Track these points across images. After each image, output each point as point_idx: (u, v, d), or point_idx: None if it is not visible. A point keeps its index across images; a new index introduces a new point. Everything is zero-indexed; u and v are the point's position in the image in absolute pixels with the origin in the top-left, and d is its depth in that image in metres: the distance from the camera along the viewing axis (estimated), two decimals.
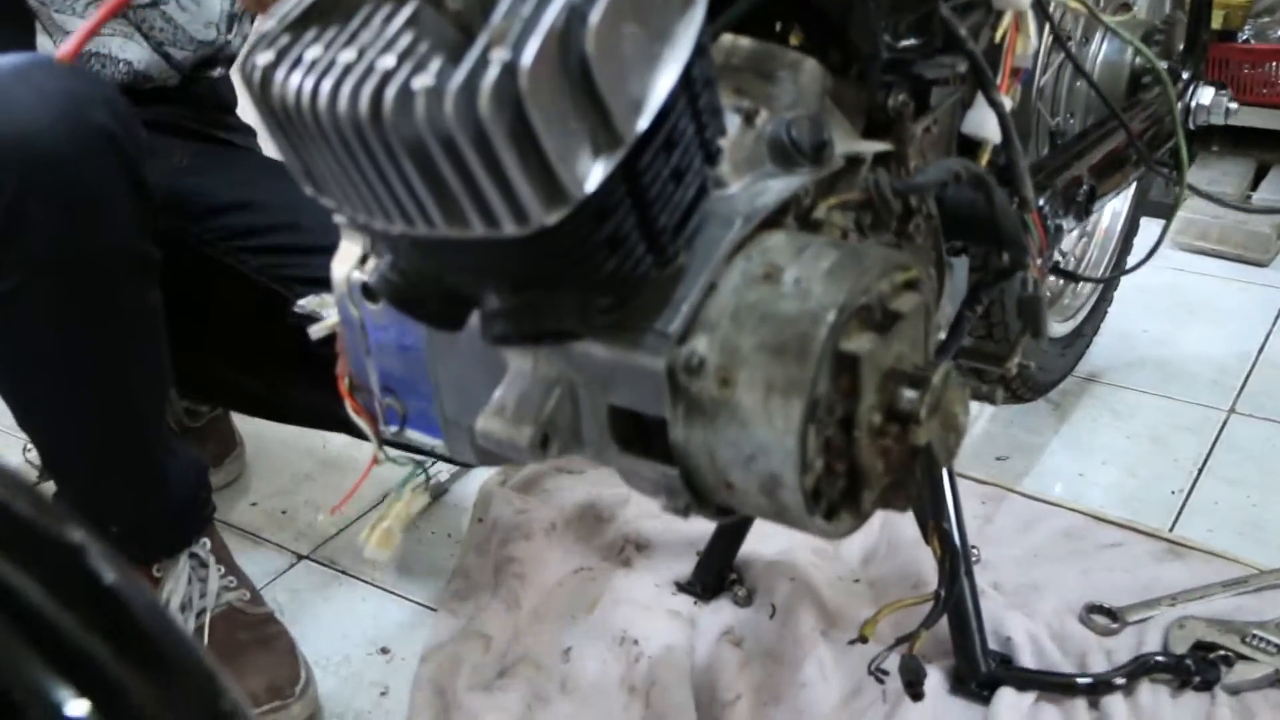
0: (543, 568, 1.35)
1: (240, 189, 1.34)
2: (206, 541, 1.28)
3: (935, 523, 1.13)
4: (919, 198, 0.88)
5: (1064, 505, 1.48)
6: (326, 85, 0.55)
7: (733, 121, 0.75)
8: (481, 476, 1.56)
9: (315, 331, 0.85)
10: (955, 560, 1.10)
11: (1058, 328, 1.62)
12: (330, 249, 1.25)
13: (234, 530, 1.52)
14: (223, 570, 1.27)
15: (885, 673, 1.11)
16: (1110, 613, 1.28)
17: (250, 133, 1.54)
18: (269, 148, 1.57)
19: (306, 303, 0.90)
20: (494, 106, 0.52)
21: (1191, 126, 1.46)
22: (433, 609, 1.35)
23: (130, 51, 1.31)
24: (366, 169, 0.56)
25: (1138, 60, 1.40)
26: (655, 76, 0.58)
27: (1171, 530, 1.46)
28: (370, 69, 0.54)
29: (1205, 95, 1.45)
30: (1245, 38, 2.53)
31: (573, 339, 0.66)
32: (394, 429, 0.85)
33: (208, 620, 1.22)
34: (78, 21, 1.28)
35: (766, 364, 0.66)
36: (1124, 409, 1.75)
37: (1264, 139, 2.58)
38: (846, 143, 0.83)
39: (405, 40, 0.55)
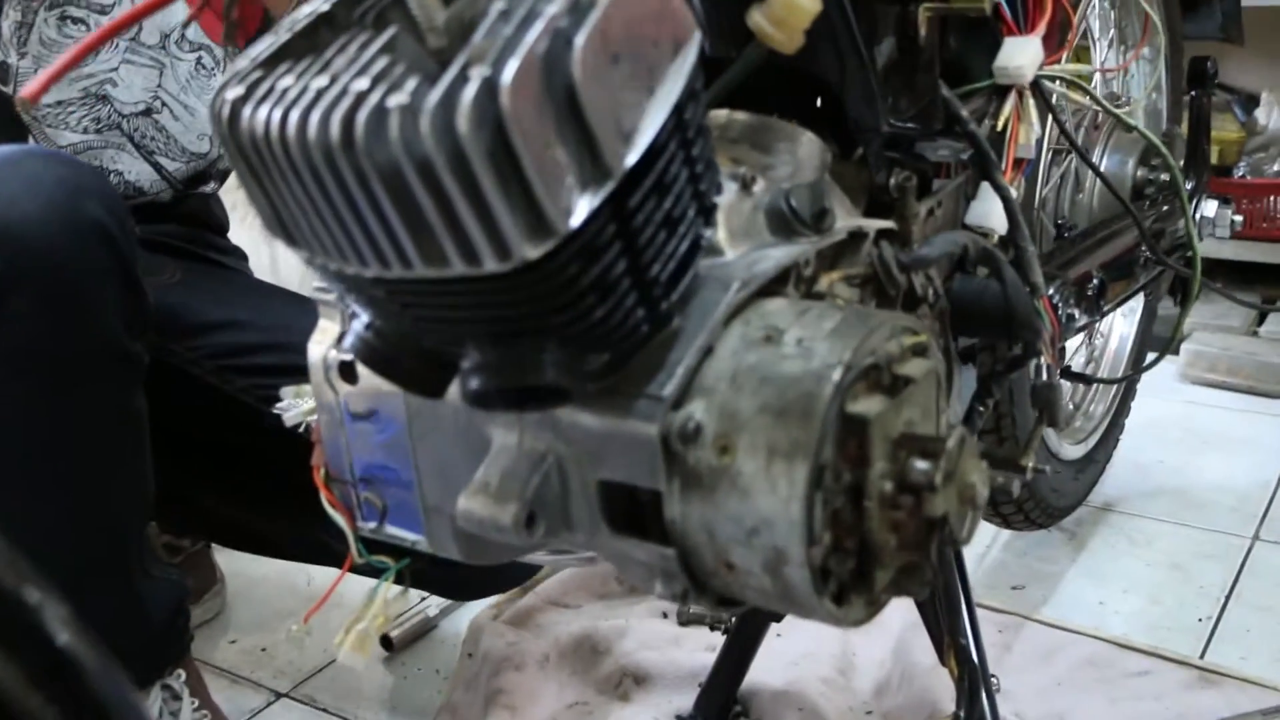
0: (535, 701, 1.28)
1: (229, 307, 1.31)
2: (181, 673, 1.21)
3: (951, 639, 1.06)
4: (925, 281, 0.85)
5: (1086, 633, 1.42)
6: (295, 113, 0.52)
7: (729, 188, 0.73)
8: (471, 613, 1.50)
9: (290, 418, 0.81)
10: (975, 678, 1.04)
11: (1070, 450, 1.58)
12: None
13: (211, 668, 1.45)
14: (196, 704, 1.19)
15: None
16: None
17: (242, 256, 1.53)
18: (260, 270, 1.56)
19: (284, 395, 0.86)
20: (474, 125, 0.49)
21: (1199, 238, 1.44)
22: None
23: (123, 163, 1.30)
24: (339, 203, 0.53)
25: (1139, 173, 1.39)
26: (645, 110, 0.56)
27: (1202, 657, 1.39)
28: (343, 92, 0.51)
29: (1209, 208, 1.44)
30: (1241, 173, 2.55)
31: (560, 401, 0.62)
32: (372, 525, 0.80)
33: None
34: (71, 135, 1.27)
35: (768, 427, 0.62)
36: (1142, 537, 1.70)
37: (1268, 273, 2.58)
38: (848, 219, 0.81)
39: (380, 64, 0.52)
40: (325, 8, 0.59)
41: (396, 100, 0.49)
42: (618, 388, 0.64)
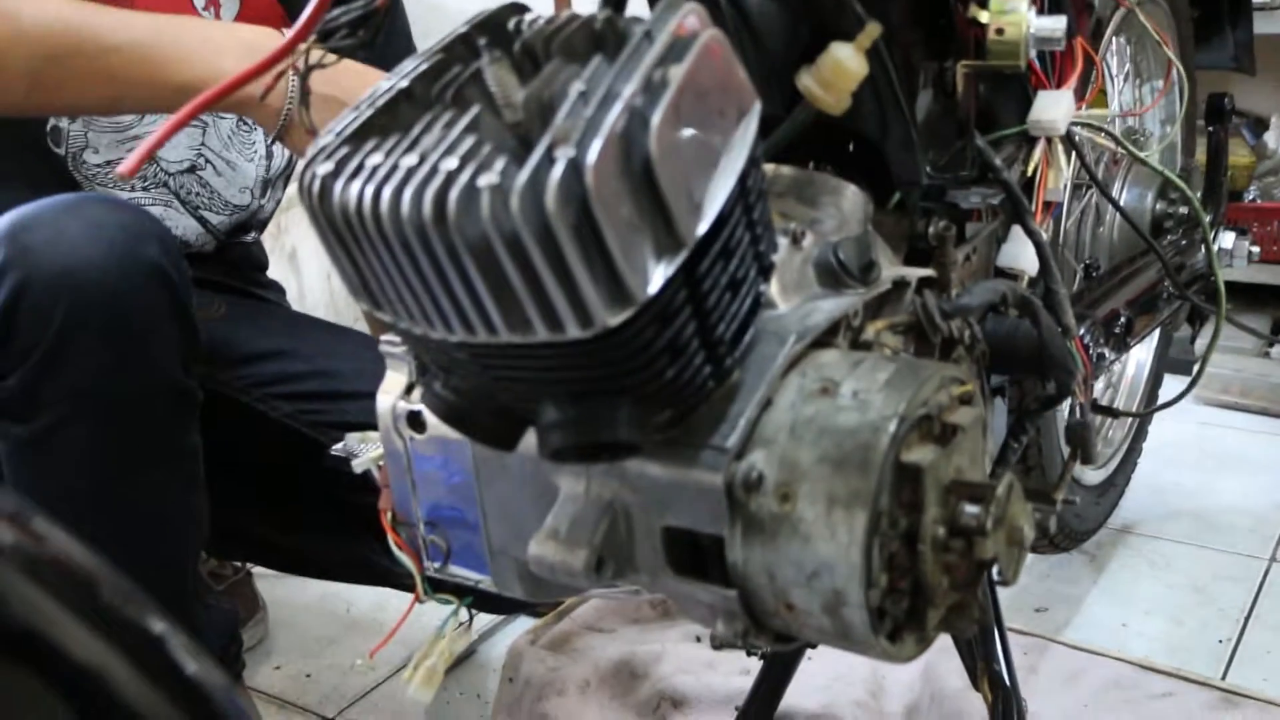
0: None
1: (273, 338, 1.34)
2: None
3: (985, 664, 1.08)
4: (963, 325, 0.87)
5: (1110, 655, 1.44)
6: (388, 189, 0.54)
7: (780, 243, 0.75)
8: (509, 639, 1.52)
9: (359, 464, 0.83)
10: (1009, 702, 1.06)
11: (1091, 475, 1.60)
12: (363, 394, 1.24)
13: (257, 694, 1.47)
14: None
15: None
16: None
17: (280, 291, 1.56)
18: (289, 301, 1.58)
19: (347, 443, 0.89)
20: (560, 203, 0.51)
21: (1220, 271, 1.47)
22: None
23: (170, 218, 1.33)
24: (428, 273, 0.56)
25: (1158, 206, 1.42)
26: (714, 181, 0.58)
27: (1224, 679, 1.41)
28: (434, 170, 0.54)
29: (1227, 239, 1.46)
30: (1252, 197, 2.57)
31: (630, 454, 0.64)
32: (437, 564, 0.83)
33: None
34: (120, 194, 1.30)
35: (828, 477, 0.64)
36: (1161, 560, 1.71)
37: (1278, 296, 2.60)
38: (891, 268, 0.83)
39: (467, 143, 0.55)
40: (404, 84, 0.61)
41: (486, 180, 0.52)
42: (682, 439, 0.66)
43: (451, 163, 0.54)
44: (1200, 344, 1.78)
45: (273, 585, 1.67)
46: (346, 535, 1.26)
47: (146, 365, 0.99)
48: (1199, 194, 1.48)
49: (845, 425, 0.65)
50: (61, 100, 1.04)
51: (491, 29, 0.64)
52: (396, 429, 0.80)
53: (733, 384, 0.67)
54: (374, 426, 0.82)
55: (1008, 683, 1.08)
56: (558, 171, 0.51)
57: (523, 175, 0.52)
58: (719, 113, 0.60)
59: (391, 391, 0.80)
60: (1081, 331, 1.01)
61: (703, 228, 0.57)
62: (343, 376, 1.31)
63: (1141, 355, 1.77)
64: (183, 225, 1.36)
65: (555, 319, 0.55)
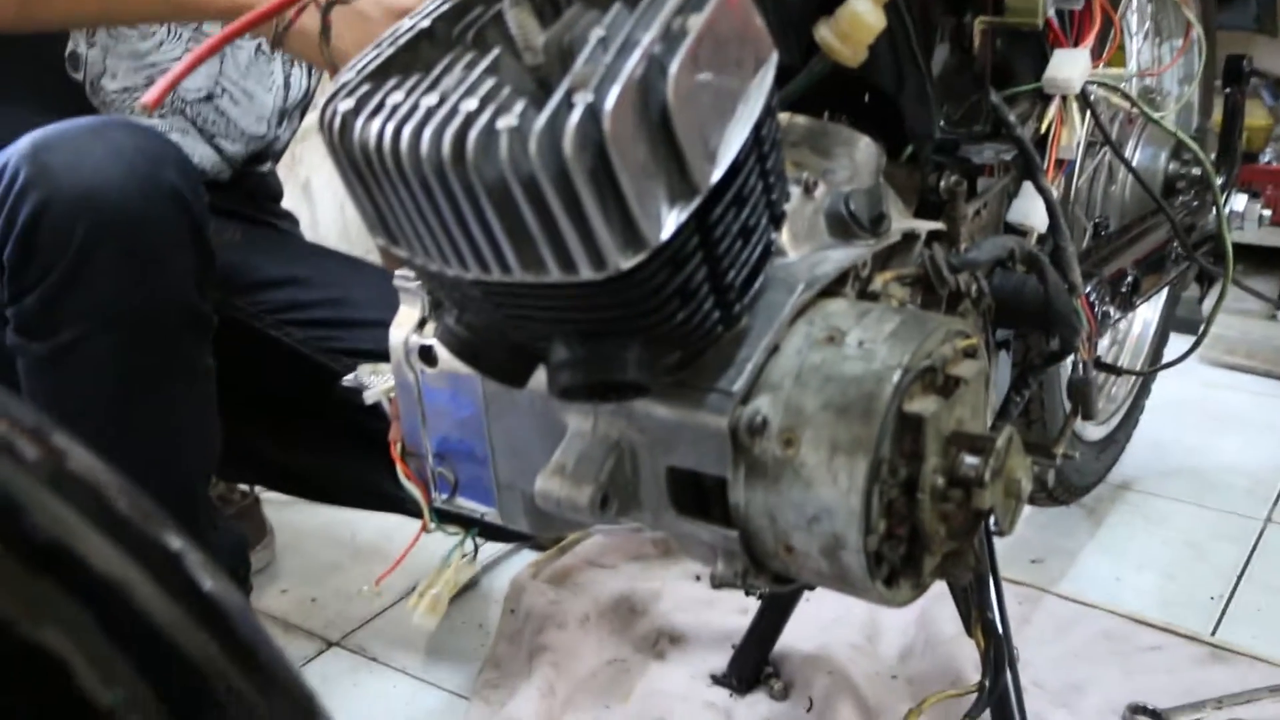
0: (576, 658, 1.32)
1: (288, 265, 1.35)
2: None
3: (979, 612, 1.10)
4: (970, 279, 0.88)
5: (1102, 607, 1.45)
6: (408, 128, 0.55)
7: (792, 192, 0.76)
8: (511, 570, 1.54)
9: (370, 396, 0.84)
10: (999, 650, 1.07)
11: (1093, 431, 1.61)
12: (374, 323, 1.26)
13: (264, 616, 1.50)
14: None
15: None
16: (1154, 714, 1.24)
17: (294, 221, 1.56)
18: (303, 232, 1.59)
19: (358, 374, 0.90)
20: (577, 147, 0.52)
21: (1229, 235, 1.47)
22: (463, 696, 1.32)
23: (186, 146, 1.33)
24: (445, 212, 0.56)
25: (1171, 166, 1.41)
26: (729, 129, 0.59)
27: (1213, 635, 1.42)
28: (454, 111, 0.54)
29: (1239, 202, 1.45)
30: (1268, 159, 2.55)
31: (638, 394, 0.65)
32: (445, 496, 0.84)
33: None
34: (137, 120, 1.30)
35: (831, 423, 0.65)
36: (1158, 516, 1.73)
37: None
38: (901, 220, 0.84)
39: (487, 85, 0.55)
40: (425, 24, 0.62)
41: (505, 122, 0.53)
42: (690, 381, 0.67)
43: (471, 104, 0.54)
44: (1207, 304, 1.79)
45: (280, 511, 1.69)
46: (356, 459, 1.28)
47: (163, 286, 1.00)
48: (1213, 155, 1.48)
49: (850, 373, 0.66)
50: (54, 15, 1.05)
51: None
52: (408, 362, 0.81)
53: (741, 329, 0.68)
54: (385, 355, 0.83)
55: (1000, 631, 1.10)
56: (576, 116, 0.52)
57: (541, 119, 0.52)
58: (736, 62, 0.60)
59: (404, 325, 0.81)
60: (1088, 289, 1.02)
61: (717, 175, 0.58)
62: (354, 304, 1.33)
63: (1148, 314, 1.78)
64: (199, 153, 1.36)
65: (569, 260, 0.56)
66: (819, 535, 0.66)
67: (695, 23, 0.56)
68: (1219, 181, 1.41)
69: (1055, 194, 0.94)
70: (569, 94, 0.53)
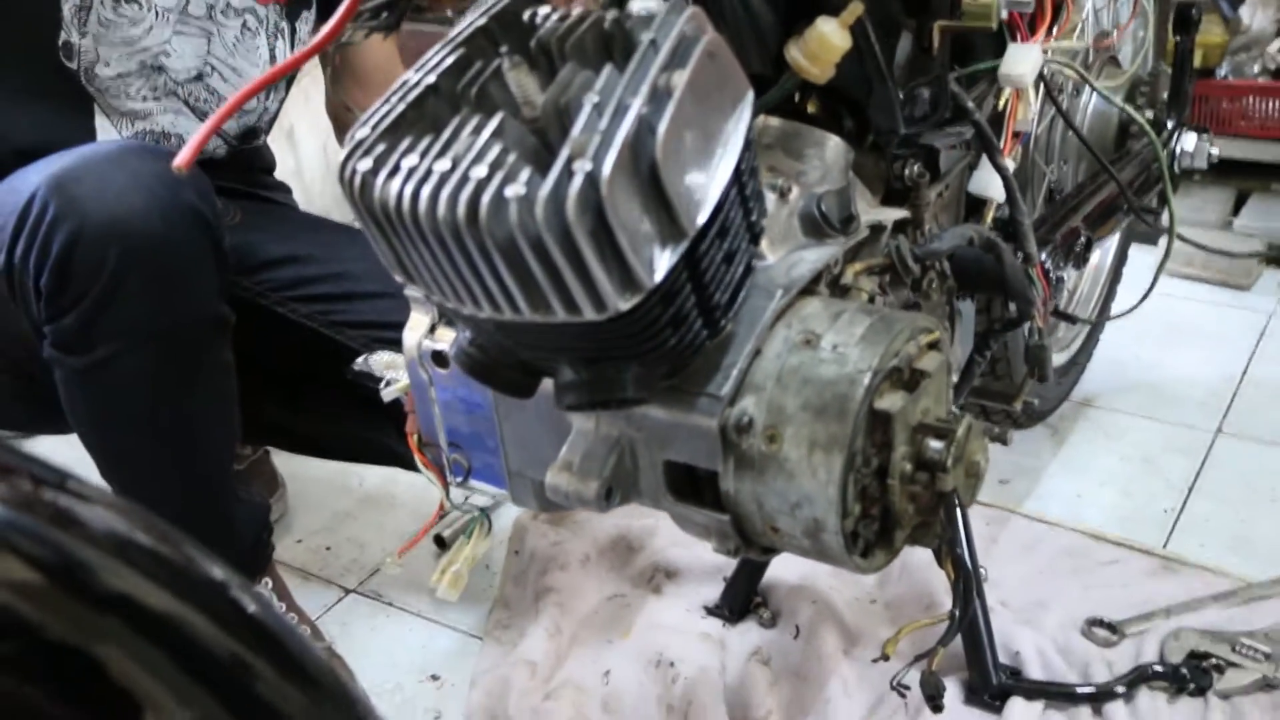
0: (579, 596, 1.41)
1: (288, 243, 1.40)
2: (268, 581, 1.34)
3: (948, 547, 1.18)
4: (933, 265, 0.94)
5: (1064, 525, 1.54)
6: (425, 191, 0.60)
7: (768, 199, 0.81)
8: (513, 511, 1.62)
9: (388, 394, 0.90)
10: (968, 583, 1.16)
11: (1055, 357, 1.68)
12: (374, 295, 1.31)
13: (282, 566, 1.57)
14: (284, 608, 1.32)
15: (906, 687, 1.17)
16: (1110, 626, 1.34)
17: (286, 190, 1.60)
18: (304, 203, 1.63)
19: (370, 362, 0.96)
20: (579, 212, 0.58)
21: (1177, 170, 1.53)
22: (476, 636, 1.40)
23: (180, 126, 1.37)
24: (460, 264, 0.62)
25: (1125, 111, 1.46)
26: (713, 174, 0.65)
27: (1165, 547, 1.51)
28: (465, 178, 0.60)
29: (1189, 141, 1.51)
30: (1224, 73, 2.60)
31: (635, 404, 0.72)
32: (459, 479, 0.91)
33: None
34: (132, 104, 1.34)
35: (810, 422, 0.72)
36: (1117, 431, 1.81)
37: (1243, 168, 2.64)
38: (869, 213, 0.90)
39: (494, 151, 0.60)
40: (431, 79, 0.67)
41: (513, 191, 0.58)
42: (682, 385, 0.74)
43: (481, 170, 0.59)
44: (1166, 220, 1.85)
45: (288, 461, 1.75)
46: (360, 420, 1.35)
47: (189, 300, 1.06)
48: (1165, 94, 1.53)
49: (825, 376, 0.72)
50: None
51: (508, 21, 0.69)
52: (421, 364, 0.87)
53: (726, 336, 0.74)
54: (385, 325, 0.88)
55: (968, 566, 1.18)
56: (576, 184, 0.57)
57: (545, 187, 0.58)
58: (717, 109, 0.65)
59: (417, 330, 0.87)
60: (1044, 257, 1.08)
61: (703, 217, 0.64)
62: (355, 277, 1.38)
63: (1107, 241, 1.84)
64: (193, 131, 1.40)
65: (573, 304, 0.62)
66: (801, 519, 0.73)
67: (679, 80, 0.62)
68: (1170, 124, 1.47)
69: (1012, 168, 1.00)
70: (569, 162, 0.58)
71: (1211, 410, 1.86)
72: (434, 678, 1.35)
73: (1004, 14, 0.87)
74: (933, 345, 0.77)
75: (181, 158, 0.66)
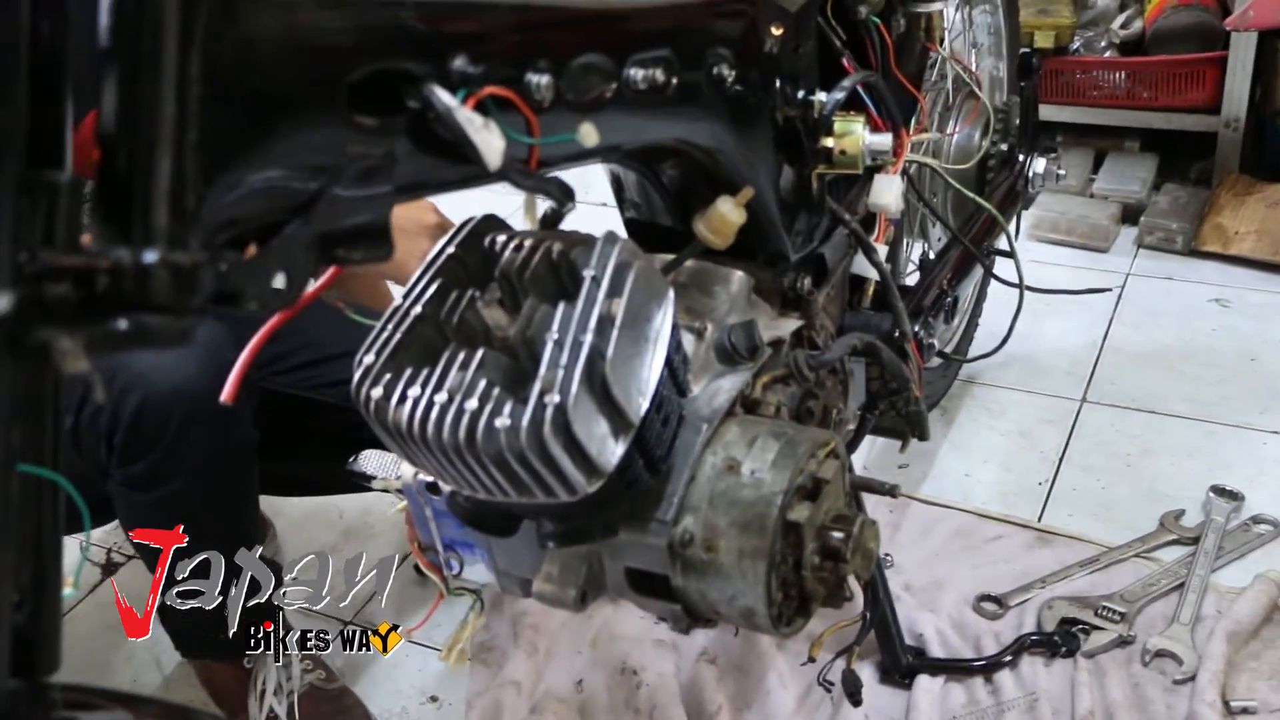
0: (549, 614, 1.57)
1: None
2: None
3: None
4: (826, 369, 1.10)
5: (955, 506, 1.73)
6: (431, 421, 0.75)
7: (688, 341, 0.97)
8: None
9: (392, 515, 1.05)
10: (875, 589, 1.34)
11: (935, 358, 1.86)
12: (341, 355, 1.49)
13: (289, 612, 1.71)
14: (301, 656, 1.47)
15: (830, 682, 1.36)
16: (996, 600, 1.53)
17: None
18: None
19: (364, 464, 1.11)
20: (553, 433, 0.73)
21: (1032, 190, 1.71)
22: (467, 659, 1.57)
23: None
24: (460, 468, 0.77)
25: (984, 144, 1.63)
26: (649, 369, 0.80)
27: (1040, 520, 1.70)
28: (461, 410, 0.74)
29: (1039, 165, 1.69)
30: (1076, 48, 2.78)
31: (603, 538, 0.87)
32: (455, 572, 1.07)
33: (295, 700, 1.43)
34: None
35: (738, 536, 0.88)
36: (997, 407, 1.98)
37: (1098, 131, 2.84)
38: (770, 328, 1.05)
39: (481, 385, 0.75)
40: (418, 309, 0.81)
41: (501, 422, 0.73)
42: (635, 513, 0.89)
43: (473, 403, 0.74)
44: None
45: (268, 502, 1.88)
46: (327, 459, 1.51)
47: (237, 437, 1.28)
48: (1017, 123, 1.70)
49: (747, 499, 0.88)
50: None
51: (472, 247, 0.83)
52: (418, 490, 1.02)
53: (666, 470, 0.90)
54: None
55: (876, 570, 1.37)
56: (549, 414, 0.72)
57: (525, 417, 0.73)
58: (648, 318, 0.80)
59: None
60: (916, 329, 1.25)
61: (645, 406, 0.79)
62: (322, 344, 1.51)
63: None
64: None
65: (551, 492, 0.77)
66: (738, 608, 0.90)
67: (618, 307, 0.77)
68: (1020, 157, 1.64)
69: (886, 267, 1.16)
70: (541, 395, 0.73)
71: (1077, 379, 2.04)
72: (433, 699, 1.51)
73: (869, 160, 1.02)
74: (832, 454, 0.94)
75: (227, 393, 0.80)
